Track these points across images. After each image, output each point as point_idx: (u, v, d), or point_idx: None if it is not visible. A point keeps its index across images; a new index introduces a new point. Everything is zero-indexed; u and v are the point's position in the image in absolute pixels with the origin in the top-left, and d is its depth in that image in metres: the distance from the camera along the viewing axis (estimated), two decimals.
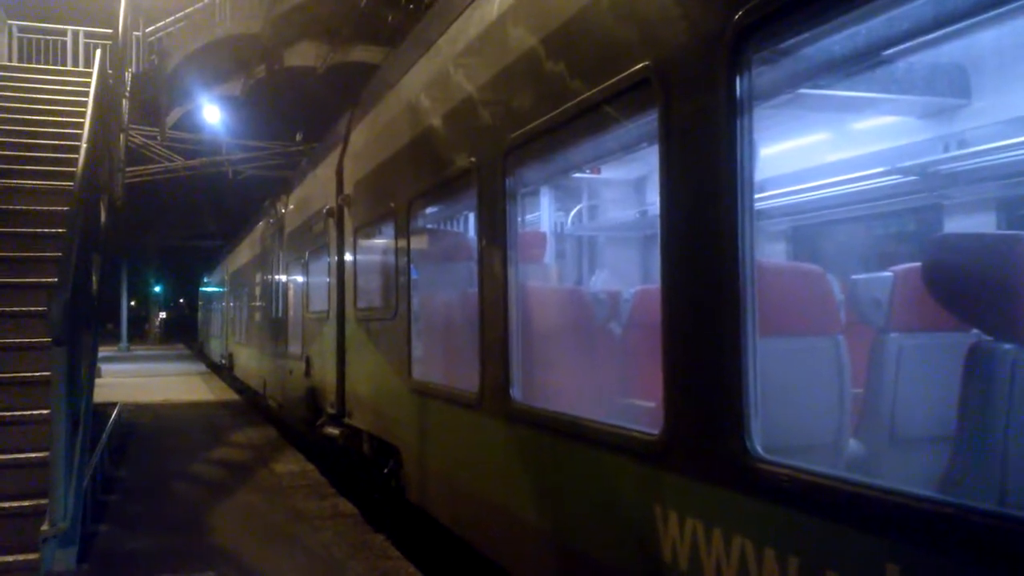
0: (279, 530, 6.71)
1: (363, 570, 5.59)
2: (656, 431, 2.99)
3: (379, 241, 7.36)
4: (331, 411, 8.81)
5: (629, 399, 4.35)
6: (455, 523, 5.45)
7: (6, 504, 5.65)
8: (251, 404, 16.97)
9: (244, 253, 20.15)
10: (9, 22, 16.02)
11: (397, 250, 6.41)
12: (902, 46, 2.73)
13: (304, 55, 21.85)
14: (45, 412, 5.78)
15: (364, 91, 8.54)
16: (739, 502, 2.54)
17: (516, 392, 4.28)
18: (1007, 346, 2.34)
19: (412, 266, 6.25)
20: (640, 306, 4.50)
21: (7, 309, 7.09)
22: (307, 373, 10.42)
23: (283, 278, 13.18)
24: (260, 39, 19.98)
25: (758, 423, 2.46)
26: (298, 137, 25.19)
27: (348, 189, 8.30)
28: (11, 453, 5.97)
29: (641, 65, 3.07)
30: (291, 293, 12.49)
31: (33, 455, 5.91)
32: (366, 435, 7.65)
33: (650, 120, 3.05)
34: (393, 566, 5.71)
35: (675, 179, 2.88)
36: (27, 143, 9.44)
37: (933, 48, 3.05)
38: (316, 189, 10.27)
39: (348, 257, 8.25)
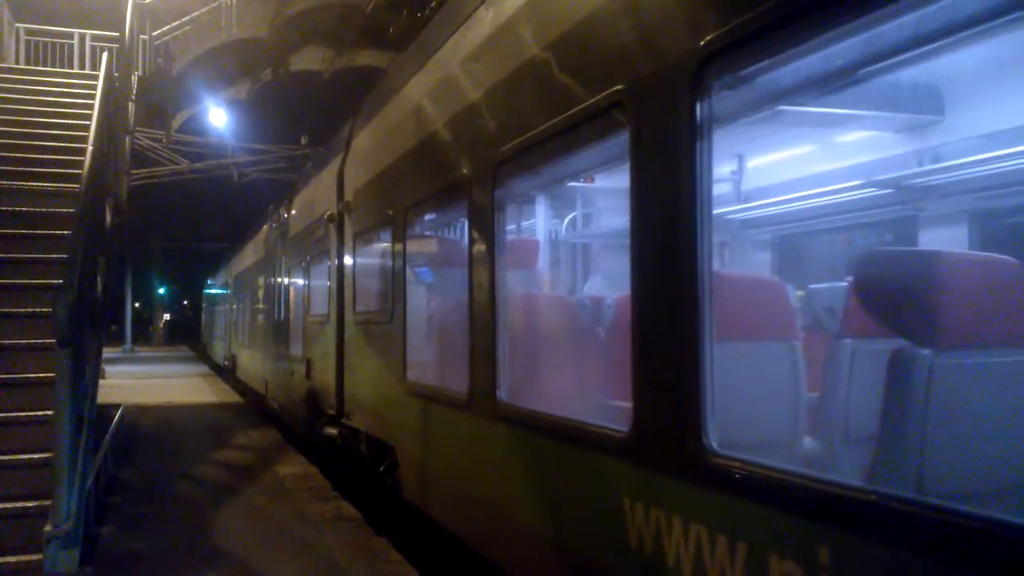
0: (282, 533, 6.71)
1: (366, 574, 5.61)
2: (625, 429, 3.18)
3: (377, 247, 7.52)
4: (330, 412, 8.96)
5: (607, 400, 4.50)
6: (446, 520, 5.59)
7: (9, 505, 5.65)
8: (253, 406, 17.08)
9: (247, 256, 20.27)
10: (16, 25, 16.18)
11: (394, 256, 6.57)
12: (856, 74, 2.90)
13: (310, 59, 22.04)
14: (49, 413, 5.83)
15: (365, 100, 8.70)
16: (695, 493, 2.75)
17: (503, 393, 4.45)
18: (925, 351, 2.53)
19: (408, 272, 6.40)
20: (618, 312, 4.67)
21: (12, 310, 7.14)
22: (307, 375, 10.56)
23: (285, 282, 13.32)
24: (266, 43, 20.17)
25: (715, 421, 2.66)
26: (303, 141, 25.31)
27: (348, 196, 8.45)
28: (14, 454, 5.98)
29: (615, 88, 3.28)
30: (292, 297, 12.62)
31: (36, 456, 5.92)
32: (363, 435, 7.79)
33: (624, 139, 3.22)
34: (395, 571, 5.75)
35: (643, 194, 3.08)
36: (33, 144, 9.52)
37: (888, 73, 3.21)
38: (318, 195, 10.42)
39: (348, 262, 8.40)
